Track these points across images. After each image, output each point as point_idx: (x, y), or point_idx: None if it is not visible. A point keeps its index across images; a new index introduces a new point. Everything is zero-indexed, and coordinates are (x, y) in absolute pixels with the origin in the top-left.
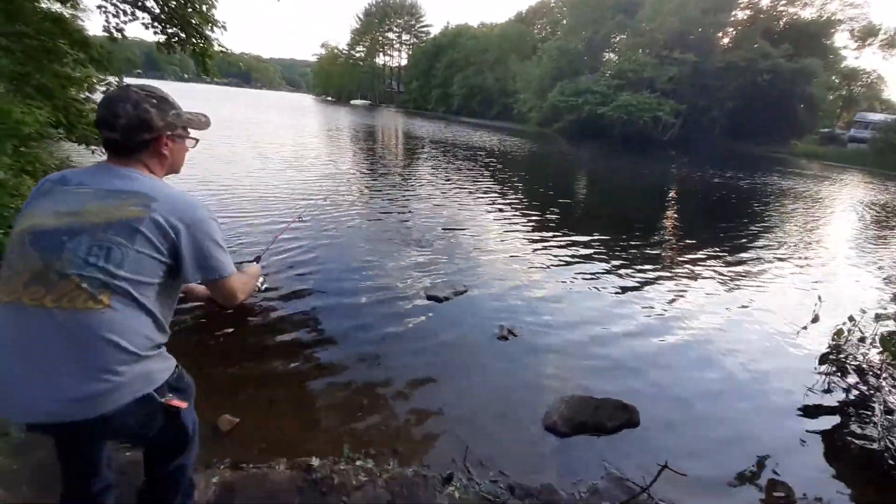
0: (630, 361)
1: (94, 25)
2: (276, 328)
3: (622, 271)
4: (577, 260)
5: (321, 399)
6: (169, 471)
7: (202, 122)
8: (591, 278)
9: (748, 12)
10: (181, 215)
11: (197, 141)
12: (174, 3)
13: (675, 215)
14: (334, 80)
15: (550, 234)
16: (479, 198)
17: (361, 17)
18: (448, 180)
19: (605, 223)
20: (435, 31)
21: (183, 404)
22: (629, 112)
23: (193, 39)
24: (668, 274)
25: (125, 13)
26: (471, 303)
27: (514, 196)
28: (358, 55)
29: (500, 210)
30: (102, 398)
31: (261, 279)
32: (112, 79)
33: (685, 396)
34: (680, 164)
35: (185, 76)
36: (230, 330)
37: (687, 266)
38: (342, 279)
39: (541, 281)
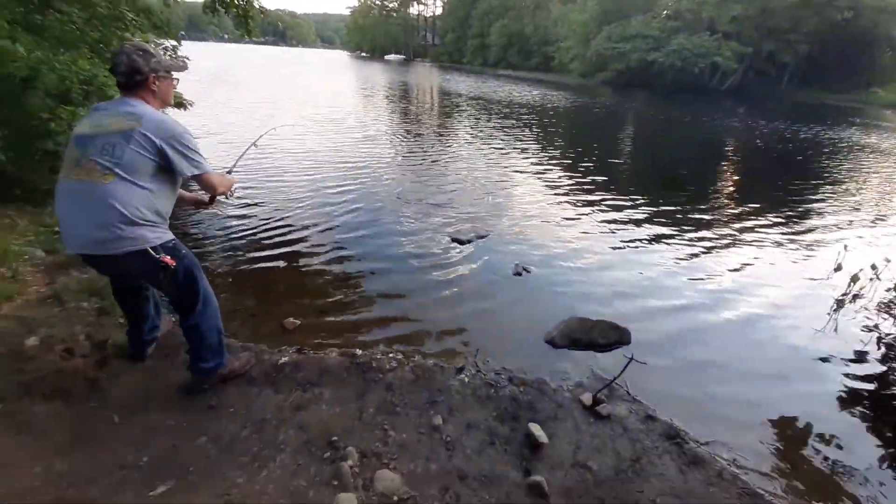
0: (635, 294)
1: None
2: (328, 261)
3: (654, 224)
4: (606, 212)
5: (361, 311)
6: (189, 325)
7: (181, 66)
8: (618, 229)
9: None
10: (161, 130)
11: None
12: None
13: (726, 172)
14: (368, 34)
15: (583, 188)
16: (512, 154)
17: None
18: (482, 137)
19: (645, 179)
20: None
21: (172, 262)
22: (683, 58)
23: (237, 1)
24: (703, 229)
25: None
26: (492, 245)
27: (549, 152)
28: (391, 6)
29: (535, 166)
30: (107, 243)
31: (234, 186)
32: (169, 42)
33: (682, 326)
34: (740, 116)
35: (225, 36)
36: (293, 262)
37: (726, 222)
38: (378, 225)
39: (565, 229)
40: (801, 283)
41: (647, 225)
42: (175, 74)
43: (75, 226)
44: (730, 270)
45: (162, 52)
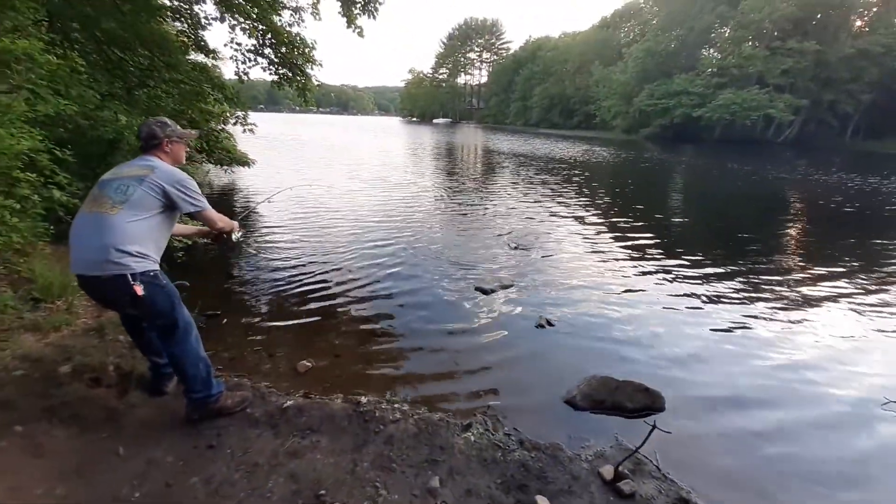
0: (674, 357)
1: (227, 71)
2: (351, 303)
3: (699, 282)
4: (646, 267)
5: (376, 357)
6: (170, 353)
7: (191, 135)
8: (658, 285)
9: None
10: (170, 177)
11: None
12: (284, 49)
13: (785, 228)
14: (419, 102)
15: (621, 241)
16: (550, 208)
17: (445, 41)
18: (521, 192)
19: (692, 233)
20: (515, 46)
21: (140, 291)
22: (732, 112)
23: (297, 77)
24: (756, 290)
25: (250, 59)
26: (517, 296)
27: (589, 205)
28: (441, 77)
29: (572, 219)
30: (98, 265)
31: (238, 232)
32: (240, 112)
33: (728, 395)
34: (798, 169)
35: (296, 108)
36: (317, 304)
37: (784, 284)
38: (407, 275)
39: (598, 283)
40: (876, 356)
41: (691, 283)
42: (245, 135)
43: (79, 248)
44: (786, 338)
45: (232, 120)
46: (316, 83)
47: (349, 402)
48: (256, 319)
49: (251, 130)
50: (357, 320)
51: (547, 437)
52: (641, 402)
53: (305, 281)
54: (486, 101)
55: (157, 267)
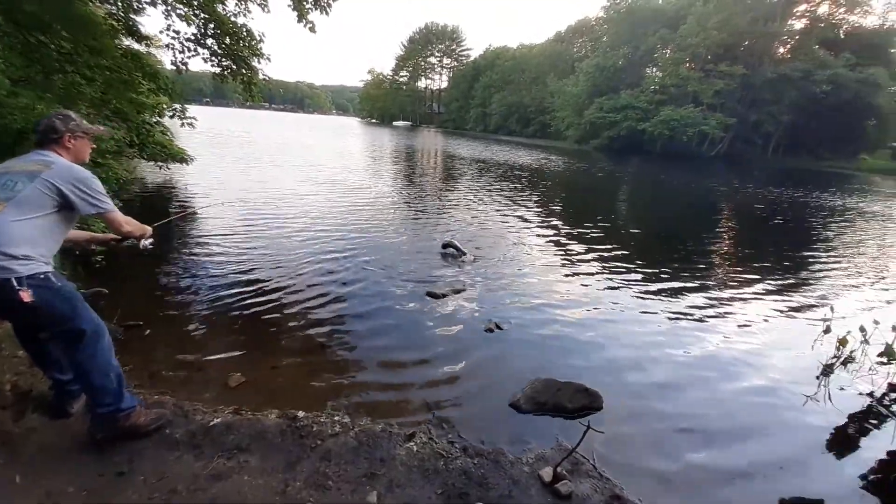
0: (613, 357)
1: (165, 61)
2: (293, 312)
3: (640, 284)
4: (592, 271)
5: (317, 368)
6: (75, 362)
7: (97, 130)
8: (603, 288)
9: (804, 21)
10: (67, 175)
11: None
12: (228, 40)
13: (717, 235)
14: (378, 103)
15: (570, 246)
16: (504, 213)
17: (406, 43)
18: (478, 197)
19: (634, 239)
20: (475, 54)
21: (28, 298)
22: (672, 128)
23: (243, 70)
24: (690, 292)
25: (189, 49)
26: (468, 300)
27: (541, 212)
28: (401, 79)
29: (526, 224)
30: None
31: (149, 240)
32: (177, 105)
33: (661, 392)
34: (728, 181)
35: (247, 103)
36: (254, 313)
37: (714, 285)
38: (357, 281)
39: (546, 287)
40: (791, 347)
41: (633, 285)
42: (186, 130)
43: None
44: (715, 334)
45: (169, 112)
46: (263, 77)
47: (284, 418)
48: (185, 330)
49: (190, 125)
50: (298, 329)
51: (490, 443)
52: (580, 403)
53: (244, 289)
54: (447, 106)
55: (48, 268)
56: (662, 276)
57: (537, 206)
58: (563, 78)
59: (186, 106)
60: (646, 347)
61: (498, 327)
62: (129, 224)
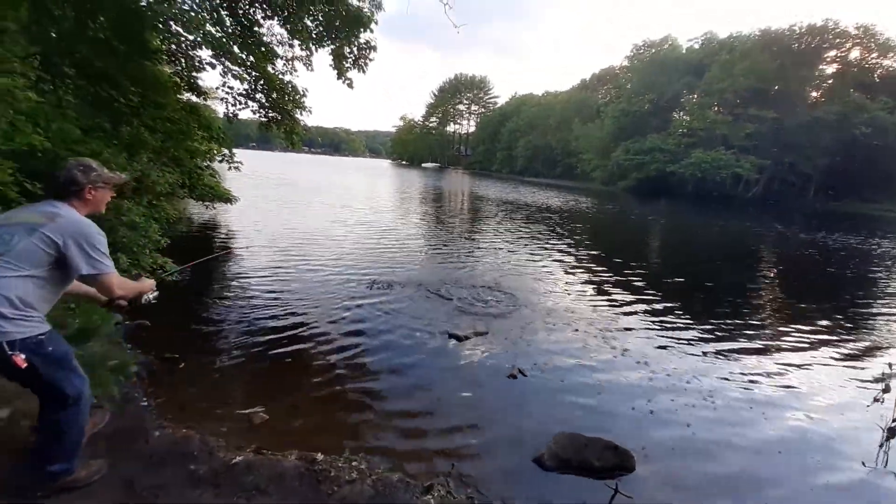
0: (647, 411)
1: (221, 106)
2: (318, 351)
3: (676, 332)
4: (622, 316)
5: (337, 410)
6: (50, 419)
7: (118, 179)
8: (634, 335)
9: (836, 66)
10: (72, 229)
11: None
12: (275, 95)
13: (757, 280)
14: (409, 146)
15: (598, 290)
16: (530, 255)
17: (436, 92)
18: (503, 239)
19: (668, 284)
20: (501, 101)
21: (23, 363)
22: (703, 169)
23: (286, 121)
24: (731, 340)
25: (240, 102)
26: (490, 343)
27: (568, 254)
28: (431, 124)
29: (552, 267)
30: None
31: (152, 293)
32: (226, 150)
33: (702, 453)
34: (768, 223)
35: (288, 148)
36: (282, 351)
37: (758, 334)
38: (381, 318)
39: (573, 332)
40: (847, 406)
41: (668, 334)
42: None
43: None
44: (761, 389)
45: (218, 157)
46: (304, 127)
47: (303, 460)
48: (217, 365)
49: (237, 168)
50: (320, 369)
51: (511, 501)
52: (609, 462)
53: (272, 328)
54: (474, 149)
55: (42, 328)
56: (701, 324)
57: (566, 248)
58: (588, 122)
59: (234, 151)
60: (682, 402)
61: (521, 373)
62: (123, 288)
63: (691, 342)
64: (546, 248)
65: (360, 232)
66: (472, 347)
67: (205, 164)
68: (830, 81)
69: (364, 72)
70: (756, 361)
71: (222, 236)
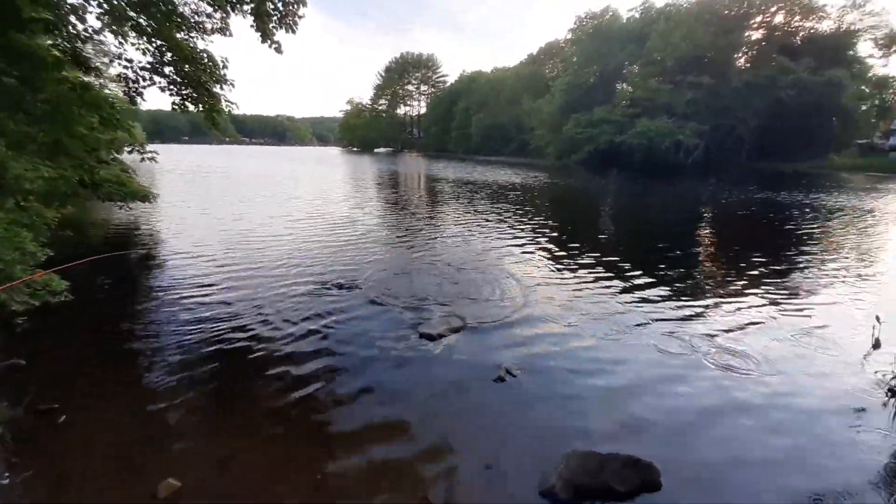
0: (650, 412)
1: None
2: (255, 376)
3: (647, 305)
4: (595, 293)
5: (281, 456)
6: None
7: None
8: (610, 314)
9: (762, 31)
10: None
11: None
12: (187, 67)
13: (707, 240)
14: (359, 131)
15: (566, 265)
16: (494, 237)
17: (383, 73)
18: (463, 221)
19: (627, 253)
20: (451, 79)
21: None
22: (649, 138)
23: (204, 98)
24: (703, 305)
25: (144, 78)
26: (468, 340)
27: (532, 232)
28: (380, 107)
29: (517, 247)
30: None
31: None
32: (133, 139)
33: (723, 453)
34: (708, 187)
35: (226, 140)
36: (205, 382)
37: (724, 296)
38: (339, 321)
39: (556, 319)
40: (842, 369)
41: (655, 307)
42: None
43: None
44: (768, 363)
45: (128, 148)
46: (228, 104)
47: None
48: (112, 414)
49: (152, 159)
50: (263, 398)
51: None
52: (634, 481)
53: (200, 353)
54: (426, 131)
55: None
56: (683, 294)
57: (530, 228)
58: (539, 98)
59: (160, 144)
60: (697, 396)
61: (510, 374)
62: None
63: (689, 320)
64: (510, 229)
65: (309, 226)
66: (449, 347)
67: (110, 156)
68: (758, 47)
69: (294, 31)
70: (739, 332)
71: (135, 241)
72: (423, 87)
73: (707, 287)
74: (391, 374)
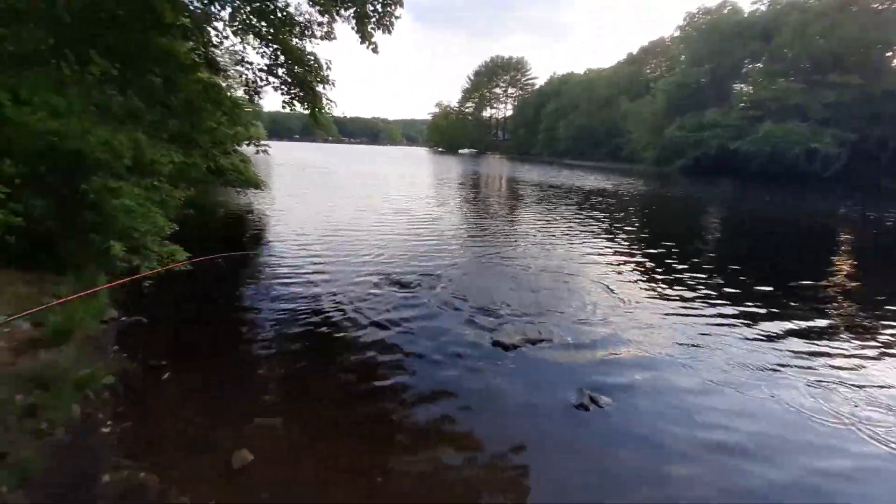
0: (777, 492)
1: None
2: (333, 364)
3: (770, 345)
4: (702, 321)
5: (342, 453)
6: None
7: None
8: (721, 347)
9: None
10: None
11: None
12: (297, 69)
13: (844, 265)
14: (446, 133)
15: (665, 285)
16: (577, 241)
17: (472, 76)
18: (549, 227)
19: (746, 277)
20: (540, 81)
21: None
22: (772, 144)
23: (309, 97)
24: (854, 354)
25: (261, 80)
26: (546, 356)
27: (621, 240)
28: (467, 110)
29: (602, 255)
30: None
31: None
32: (253, 134)
33: None
34: (854, 205)
35: (329, 139)
36: (291, 363)
37: (867, 336)
38: (415, 319)
39: (643, 343)
40: None
41: (782, 348)
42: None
43: None
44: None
45: (246, 143)
46: (328, 103)
47: None
48: (208, 379)
49: (265, 152)
50: (338, 389)
51: None
52: None
53: (290, 333)
54: (512, 133)
55: None
56: (836, 342)
57: (626, 239)
58: (637, 99)
59: (277, 141)
60: (848, 479)
61: (594, 402)
62: None
63: (833, 370)
64: (599, 239)
65: (394, 222)
66: (525, 360)
67: (232, 148)
68: None
69: (390, 31)
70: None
71: (247, 224)
72: (510, 90)
73: (858, 331)
74: (463, 381)
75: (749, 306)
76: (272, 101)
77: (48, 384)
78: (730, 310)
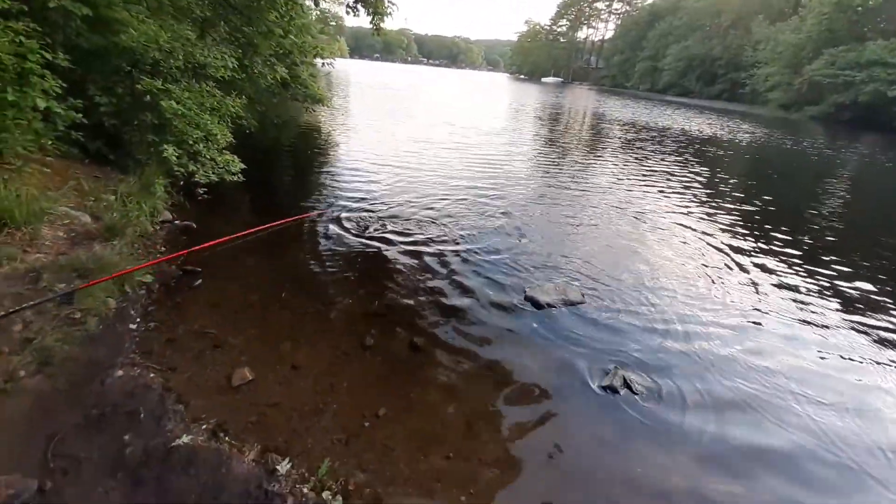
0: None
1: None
2: (351, 294)
3: (863, 327)
4: (788, 297)
5: (340, 393)
6: None
7: None
8: (810, 323)
9: None
10: None
11: None
12: None
13: None
14: (530, 57)
15: (765, 270)
16: (659, 196)
17: None
18: (625, 173)
19: (857, 253)
20: None
21: None
22: None
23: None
24: None
25: None
26: (581, 322)
27: (716, 202)
28: (559, 30)
29: (686, 217)
30: None
31: None
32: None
33: None
34: None
35: (409, 59)
36: (316, 288)
37: None
38: (452, 260)
39: (714, 326)
40: None
41: (860, 322)
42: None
43: None
44: None
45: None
46: (390, 3)
47: (260, 465)
48: (234, 290)
49: (330, 64)
50: (350, 319)
51: None
52: None
53: (334, 260)
54: (607, 60)
55: None
56: None
57: (714, 199)
58: (778, 21)
59: (353, 58)
60: None
61: (627, 385)
62: None
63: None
64: (685, 196)
65: (459, 155)
66: (554, 322)
67: (300, 59)
68: None
69: None
70: None
71: (312, 142)
72: (616, 5)
73: None
74: (480, 338)
75: (868, 315)
76: (352, 19)
77: (90, 276)
78: (835, 316)
